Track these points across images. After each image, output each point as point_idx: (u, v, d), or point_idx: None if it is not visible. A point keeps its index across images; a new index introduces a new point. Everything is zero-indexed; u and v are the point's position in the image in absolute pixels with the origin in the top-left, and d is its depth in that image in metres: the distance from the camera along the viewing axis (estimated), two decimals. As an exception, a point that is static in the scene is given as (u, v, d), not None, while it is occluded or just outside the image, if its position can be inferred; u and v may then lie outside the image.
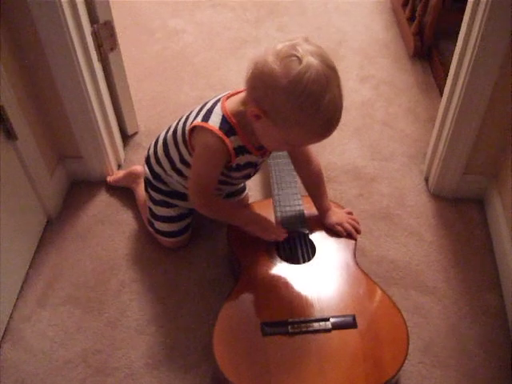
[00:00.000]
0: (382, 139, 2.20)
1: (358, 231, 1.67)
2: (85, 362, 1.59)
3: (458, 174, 1.91)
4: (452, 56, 1.75)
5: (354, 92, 2.42)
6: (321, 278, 1.53)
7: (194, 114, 1.54)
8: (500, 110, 1.72)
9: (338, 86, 1.32)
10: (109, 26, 1.83)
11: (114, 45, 1.89)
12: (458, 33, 1.71)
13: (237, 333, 1.43)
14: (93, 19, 1.77)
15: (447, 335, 1.62)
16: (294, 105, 1.28)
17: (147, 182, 1.78)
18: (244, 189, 1.90)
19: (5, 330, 1.66)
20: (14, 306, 1.71)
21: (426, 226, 1.90)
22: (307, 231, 1.63)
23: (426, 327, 1.63)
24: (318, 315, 1.44)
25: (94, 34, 1.78)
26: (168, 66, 2.59)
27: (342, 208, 1.74)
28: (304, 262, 1.57)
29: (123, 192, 2.01)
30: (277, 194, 1.72)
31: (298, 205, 1.69)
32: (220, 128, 1.45)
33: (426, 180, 2.03)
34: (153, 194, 1.77)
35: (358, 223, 1.69)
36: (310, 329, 1.41)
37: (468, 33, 1.63)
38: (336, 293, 1.51)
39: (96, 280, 1.78)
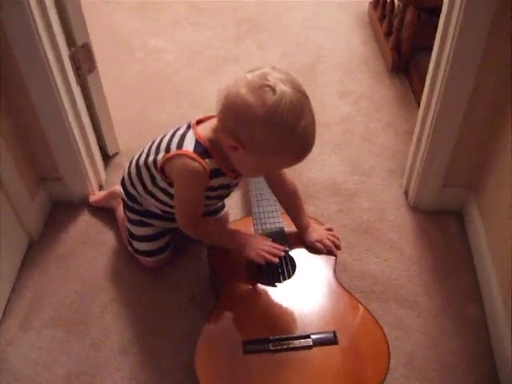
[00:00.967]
0: (361, 154, 2.22)
1: (338, 247, 1.68)
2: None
3: (436, 187, 1.93)
4: (429, 70, 1.78)
5: (334, 107, 2.44)
6: (301, 294, 1.54)
7: (165, 141, 1.54)
8: (476, 122, 1.74)
9: (310, 111, 1.33)
10: (87, 49, 1.84)
11: (92, 67, 1.90)
12: (436, 47, 1.74)
13: (219, 351, 1.44)
14: (70, 42, 1.78)
15: (429, 348, 1.63)
16: (270, 134, 1.29)
17: (123, 203, 1.80)
18: (222, 207, 1.90)
19: (-13, 355, 1.66)
20: (-3, 330, 1.71)
21: (407, 239, 1.92)
22: (287, 248, 1.64)
23: (407, 341, 1.64)
24: (299, 332, 1.45)
25: (72, 57, 1.79)
26: (149, 85, 2.60)
27: (322, 224, 1.76)
28: (284, 279, 1.58)
29: (105, 212, 2.01)
30: (257, 212, 1.74)
31: (278, 222, 1.70)
32: (194, 151, 1.46)
33: (406, 193, 2.05)
34: (129, 214, 1.78)
35: (338, 239, 1.70)
36: (292, 346, 1.41)
37: (441, 46, 1.65)
38: (317, 309, 1.52)
39: (79, 302, 1.78)
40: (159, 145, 1.56)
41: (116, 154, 2.24)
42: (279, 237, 1.67)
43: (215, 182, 1.55)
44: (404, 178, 2.07)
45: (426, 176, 1.91)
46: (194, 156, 1.45)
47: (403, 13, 2.42)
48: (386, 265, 1.84)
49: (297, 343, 1.42)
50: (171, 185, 1.56)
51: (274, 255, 1.56)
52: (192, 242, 1.85)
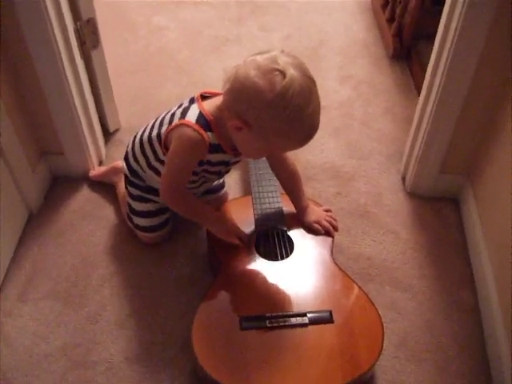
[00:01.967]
0: (360, 138, 2.24)
1: (335, 229, 1.70)
2: (65, 355, 1.61)
3: (434, 173, 1.95)
4: (430, 58, 1.79)
5: (334, 92, 2.45)
6: (298, 274, 1.57)
7: (169, 114, 1.56)
8: (475, 109, 1.76)
9: (317, 96, 1.36)
10: (92, 24, 1.84)
11: (96, 42, 1.91)
12: (437, 35, 1.75)
13: (215, 327, 1.46)
14: (76, 16, 1.78)
15: (422, 330, 1.66)
16: (279, 118, 1.31)
17: (125, 178, 1.81)
18: (221, 187, 1.92)
19: (-14, 325, 1.68)
20: (-5, 300, 1.73)
21: (403, 224, 1.94)
22: (285, 228, 1.66)
23: (400, 323, 1.67)
24: (295, 310, 1.47)
25: (77, 32, 1.79)
26: (151, 63, 2.61)
27: (320, 206, 1.78)
28: (282, 258, 1.60)
29: (104, 188, 2.03)
30: (256, 192, 1.75)
31: (277, 202, 1.72)
32: (197, 122, 1.47)
33: (403, 179, 2.07)
34: (131, 189, 1.79)
35: (335, 221, 1.72)
36: (288, 323, 1.44)
37: (445, 34, 1.67)
38: (313, 289, 1.54)
39: (77, 275, 1.79)
40: (163, 119, 1.58)
41: (117, 130, 2.25)
42: (278, 217, 1.69)
43: (214, 158, 1.56)
44: (402, 164, 2.09)
45: (424, 162, 1.93)
46: (196, 126, 1.46)
47: (406, 0, 2.43)
48: (382, 248, 1.86)
49: (293, 321, 1.44)
50: None
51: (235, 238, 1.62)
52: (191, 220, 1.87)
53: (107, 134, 2.21)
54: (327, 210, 1.75)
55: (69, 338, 1.65)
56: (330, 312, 1.47)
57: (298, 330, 1.44)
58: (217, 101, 1.49)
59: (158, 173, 1.67)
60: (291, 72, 1.29)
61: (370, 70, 2.56)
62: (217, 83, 2.35)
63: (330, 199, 2.00)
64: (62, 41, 1.70)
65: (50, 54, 1.68)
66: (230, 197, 1.96)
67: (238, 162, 1.68)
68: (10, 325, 1.68)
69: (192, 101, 1.54)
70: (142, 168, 1.71)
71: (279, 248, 1.62)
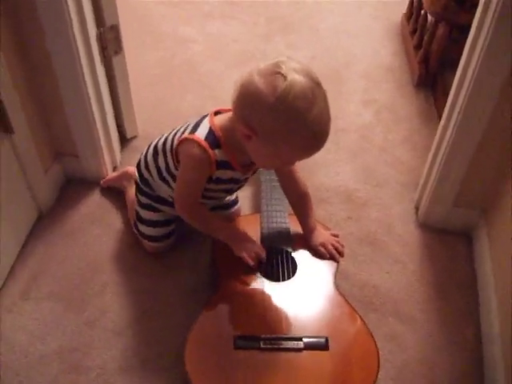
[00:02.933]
0: (377, 164, 2.22)
1: (341, 254, 1.68)
2: (60, 358, 1.60)
3: (447, 206, 1.92)
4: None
5: (355, 115, 2.44)
6: (298, 297, 1.55)
7: (183, 127, 1.57)
8: (494, 142, 1.73)
9: (325, 100, 1.34)
10: (115, 30, 1.85)
11: (118, 48, 1.91)
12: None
13: (209, 343, 1.45)
14: (99, 22, 1.80)
15: (420, 365, 1.63)
16: (281, 121, 1.31)
17: (136, 186, 1.81)
18: (235, 203, 1.91)
19: (-15, 319, 1.68)
20: (-3, 295, 1.74)
21: (411, 255, 1.91)
22: (290, 249, 1.65)
23: (399, 355, 1.64)
24: (291, 334, 1.45)
25: (99, 37, 1.80)
26: (173, 74, 2.61)
27: (329, 229, 1.76)
28: (284, 279, 1.58)
29: (115, 194, 2.03)
30: (265, 210, 1.74)
31: (285, 222, 1.70)
32: (205, 139, 1.47)
33: (416, 209, 2.05)
34: (140, 197, 1.80)
35: (342, 246, 1.70)
36: (282, 346, 1.42)
37: (467, 64, 1.65)
38: (312, 313, 1.52)
39: (80, 278, 1.79)
40: (177, 131, 1.59)
41: (134, 137, 2.25)
42: (284, 237, 1.68)
43: (222, 174, 1.55)
44: (416, 194, 2.06)
45: (438, 194, 1.90)
46: (203, 143, 1.47)
47: (435, 27, 2.41)
48: (388, 278, 1.84)
49: (288, 344, 1.42)
50: None
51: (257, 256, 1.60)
52: (197, 231, 1.85)
53: (124, 140, 2.21)
54: (335, 235, 1.73)
55: (65, 341, 1.64)
56: (327, 339, 1.44)
57: (292, 354, 1.42)
58: (229, 115, 1.49)
59: (169, 185, 1.67)
60: (293, 75, 1.29)
61: (393, 96, 2.55)
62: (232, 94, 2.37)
63: (341, 223, 1.98)
64: (82, 45, 1.71)
65: (70, 57, 1.69)
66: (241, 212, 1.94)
67: (248, 178, 1.68)
68: (10, 322, 1.68)
69: (206, 116, 1.55)
70: (152, 177, 1.71)
71: (282, 269, 1.60)
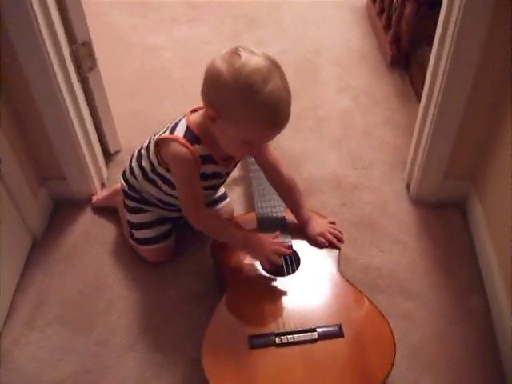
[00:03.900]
0: (362, 148, 2.22)
1: (340, 241, 1.69)
2: (75, 382, 1.59)
3: (438, 180, 1.94)
4: (428, 63, 1.78)
5: (333, 102, 2.44)
6: (306, 288, 1.55)
7: (163, 130, 1.60)
8: (477, 113, 1.74)
9: (282, 80, 1.38)
10: (87, 46, 1.84)
11: (92, 64, 1.90)
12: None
13: (225, 346, 1.44)
14: (71, 40, 1.78)
15: (434, 341, 1.64)
16: (237, 97, 1.35)
17: (124, 194, 1.82)
18: (222, 198, 1.91)
19: (-6, 354, 1.66)
20: (2, 329, 1.71)
21: (409, 232, 1.92)
22: (291, 242, 1.64)
23: (412, 333, 1.65)
24: (304, 326, 1.45)
25: (73, 55, 1.79)
26: (148, 83, 2.60)
27: (324, 217, 1.76)
28: (289, 273, 1.58)
29: (107, 211, 2.01)
30: (259, 207, 1.74)
31: (282, 217, 1.70)
32: (184, 136, 1.52)
33: (408, 187, 2.06)
34: (128, 202, 1.81)
35: (340, 232, 1.71)
36: (297, 340, 1.42)
37: (442, 38, 1.66)
38: (322, 303, 1.52)
39: (83, 300, 1.78)
40: (156, 134, 1.62)
41: (117, 151, 2.24)
42: (283, 231, 1.67)
43: (207, 169, 1.58)
44: (405, 172, 2.07)
45: (428, 169, 1.91)
46: (184, 141, 1.51)
47: (402, 6, 2.42)
48: (390, 258, 1.85)
49: (302, 337, 1.42)
50: (168, 170, 1.60)
51: (281, 254, 1.58)
52: (196, 237, 1.85)
53: (108, 156, 2.20)
54: (332, 222, 1.74)
55: (78, 364, 1.63)
56: (340, 326, 1.45)
57: (308, 345, 1.41)
58: (203, 111, 1.52)
59: (156, 185, 1.69)
60: (248, 54, 1.36)
61: (368, 79, 2.56)
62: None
63: (335, 210, 1.98)
64: (58, 65, 1.69)
65: (47, 78, 1.68)
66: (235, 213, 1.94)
67: (229, 173, 1.71)
68: (18, 353, 1.66)
69: (183, 116, 1.58)
70: (138, 181, 1.73)
71: (285, 263, 1.60)
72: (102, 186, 2.10)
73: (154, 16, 3.02)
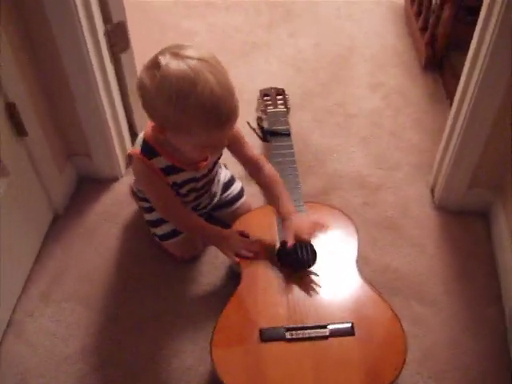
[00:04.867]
0: (388, 148, 2.20)
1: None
2: (84, 358, 1.61)
3: (463, 187, 1.91)
4: (463, 68, 1.76)
5: (363, 100, 2.42)
6: (321, 284, 1.54)
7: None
8: (507, 123, 1.71)
9: (216, 75, 1.32)
10: (122, 27, 1.84)
11: (126, 45, 1.90)
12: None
13: (235, 337, 1.45)
14: (106, 19, 1.78)
15: (445, 347, 1.63)
16: (171, 107, 1.32)
17: (135, 197, 1.87)
18: (237, 198, 1.88)
19: (8, 323, 1.68)
20: (18, 299, 1.74)
21: (430, 237, 1.91)
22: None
23: (424, 338, 1.64)
24: (316, 322, 1.45)
25: (107, 35, 1.79)
26: (179, 67, 2.59)
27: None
28: (304, 268, 1.58)
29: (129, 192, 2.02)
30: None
31: (301, 211, 1.69)
32: (141, 152, 1.52)
33: (432, 191, 2.04)
34: (140, 203, 1.83)
35: (322, 225, 1.64)
36: (308, 335, 1.42)
37: (479, 44, 1.63)
38: (336, 300, 1.52)
39: (99, 277, 1.80)
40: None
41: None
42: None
43: (176, 178, 1.58)
44: (431, 176, 2.05)
45: (453, 176, 1.89)
46: (140, 157, 1.51)
47: (440, 9, 2.39)
48: (408, 261, 1.83)
49: (313, 333, 1.42)
50: None
51: (247, 254, 1.60)
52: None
53: (134, 136, 2.20)
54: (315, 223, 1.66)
55: (88, 341, 1.65)
56: (352, 324, 1.44)
57: (319, 342, 1.41)
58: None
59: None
60: (167, 61, 1.31)
61: (401, 79, 2.53)
62: (245, 89, 2.36)
63: (357, 209, 1.97)
64: (92, 43, 1.70)
65: (80, 56, 1.69)
66: (255, 206, 1.91)
67: (208, 175, 1.68)
68: (32, 325, 1.69)
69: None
70: None
71: (302, 257, 1.59)
72: (127, 166, 2.10)
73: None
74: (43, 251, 1.86)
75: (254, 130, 2.04)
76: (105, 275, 1.80)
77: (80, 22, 1.62)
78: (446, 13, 2.34)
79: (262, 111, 2.18)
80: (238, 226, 1.71)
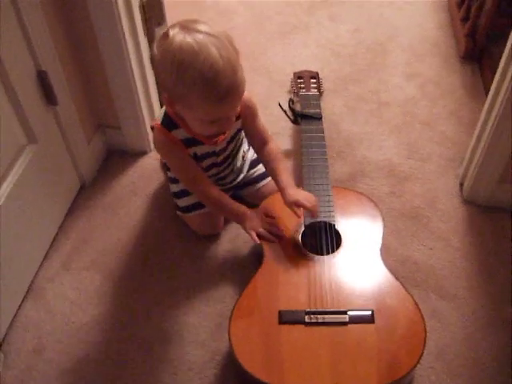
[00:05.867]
0: (421, 139, 2.17)
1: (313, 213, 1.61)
2: (100, 326, 1.63)
3: (493, 182, 1.87)
4: (503, 61, 1.72)
5: (399, 88, 2.39)
6: (343, 270, 1.53)
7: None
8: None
9: (218, 48, 1.32)
10: (158, 1, 1.84)
11: (161, 19, 1.90)
12: (510, 37, 1.68)
13: (254, 318, 1.45)
14: (143, -9, 1.78)
15: (462, 343, 1.60)
16: (174, 77, 1.34)
17: (163, 166, 1.90)
18: (262, 177, 1.87)
19: (28, 288, 1.71)
20: (40, 265, 1.76)
21: (455, 231, 1.87)
22: (334, 222, 1.62)
23: (441, 333, 1.62)
24: (336, 307, 1.44)
25: (142, 7, 1.79)
26: (215, 45, 2.58)
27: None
28: (328, 253, 1.56)
29: (157, 166, 2.03)
30: (307, 184, 1.72)
31: (328, 195, 1.68)
32: (162, 123, 1.54)
33: (461, 185, 2.00)
34: (170, 173, 1.82)
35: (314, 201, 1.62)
36: (327, 320, 1.41)
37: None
38: (357, 287, 1.50)
39: (121, 249, 1.82)
40: None
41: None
42: (327, 210, 1.65)
43: (195, 150, 1.59)
44: (461, 169, 2.01)
45: (484, 170, 1.85)
46: (160, 129, 1.54)
47: (483, 0, 2.34)
48: (431, 254, 1.80)
49: (333, 318, 1.41)
50: None
51: (269, 237, 1.61)
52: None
53: (165, 112, 2.21)
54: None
55: (105, 310, 1.67)
56: (372, 312, 1.43)
57: (337, 327, 1.40)
58: None
59: None
60: (176, 33, 1.33)
61: (438, 69, 2.48)
62: (279, 70, 2.34)
63: (383, 198, 1.95)
64: (125, 15, 1.70)
65: (114, 28, 1.69)
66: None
67: (227, 148, 1.68)
68: (52, 291, 1.72)
69: None
70: None
71: (326, 242, 1.58)
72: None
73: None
74: (68, 220, 1.89)
75: (284, 111, 2.03)
76: (126, 248, 1.82)
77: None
78: (489, 4, 2.29)
79: (294, 93, 2.17)
80: (265, 206, 1.70)
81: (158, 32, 1.92)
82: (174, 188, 1.81)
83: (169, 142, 1.54)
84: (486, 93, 2.28)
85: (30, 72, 1.59)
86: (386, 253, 1.75)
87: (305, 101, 2.07)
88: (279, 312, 1.43)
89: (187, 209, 1.80)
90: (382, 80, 2.41)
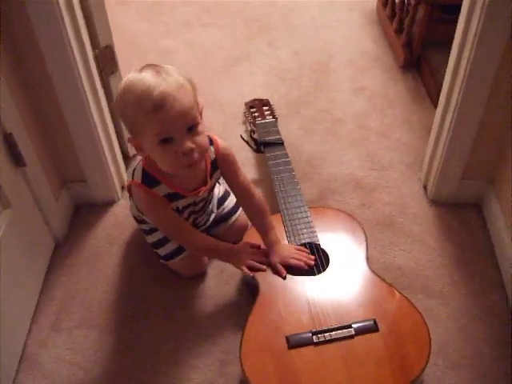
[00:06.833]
0: (379, 149, 2.24)
1: (307, 263, 1.62)
2: (104, 381, 1.60)
3: (456, 180, 1.95)
4: (440, 65, 1.80)
5: (348, 104, 2.46)
6: (337, 286, 1.57)
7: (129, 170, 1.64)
8: (496, 114, 1.76)
9: (159, 72, 1.37)
10: (110, 50, 1.86)
11: (114, 68, 1.92)
12: (446, 42, 1.77)
13: (263, 348, 1.45)
14: (94, 44, 1.80)
15: (457, 336, 1.65)
16: (122, 106, 1.40)
17: (135, 220, 1.85)
18: (232, 212, 1.89)
19: (20, 357, 1.65)
20: (29, 331, 1.71)
21: (428, 231, 1.94)
22: (318, 242, 1.66)
23: (436, 330, 1.66)
24: (339, 323, 1.46)
25: (96, 59, 1.80)
26: (163, 87, 2.61)
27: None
28: (319, 272, 1.60)
29: (129, 213, 2.02)
30: (284, 209, 1.75)
31: (306, 217, 1.72)
32: (142, 182, 1.53)
33: (425, 187, 2.07)
34: (140, 226, 1.82)
35: (308, 255, 1.65)
36: (334, 337, 1.43)
37: (462, 42, 1.67)
38: (354, 299, 1.54)
39: (108, 302, 1.79)
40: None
41: (136, 155, 2.25)
42: (309, 231, 1.69)
43: (177, 204, 1.60)
44: (422, 172, 2.09)
45: (446, 169, 1.93)
46: (141, 186, 1.53)
47: (415, 9, 2.45)
48: (411, 256, 1.86)
49: (340, 333, 1.44)
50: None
51: (260, 267, 1.63)
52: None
53: (127, 159, 2.21)
54: (300, 249, 1.66)
55: (106, 366, 1.64)
56: (375, 320, 1.46)
57: (346, 341, 1.43)
58: None
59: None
60: (130, 75, 1.40)
61: (382, 81, 2.58)
62: (231, 103, 2.38)
63: (355, 211, 2.00)
64: (83, 67, 1.71)
65: (72, 81, 1.70)
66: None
67: (206, 198, 1.70)
68: (46, 355, 1.67)
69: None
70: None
71: (315, 262, 1.62)
72: (122, 188, 2.11)
73: (165, 20, 3.04)
74: (49, 281, 1.85)
75: (247, 142, 2.06)
76: (113, 298, 1.79)
77: (71, 46, 1.63)
78: (421, 13, 2.40)
79: (250, 123, 2.20)
80: (247, 238, 1.73)
81: (113, 81, 1.94)
82: (151, 239, 1.81)
83: (151, 198, 1.54)
84: (429, 96, 2.40)
85: (-3, 136, 1.58)
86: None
87: (263, 129, 2.11)
88: (286, 338, 1.44)
89: (170, 256, 1.80)
90: (330, 98, 2.49)
